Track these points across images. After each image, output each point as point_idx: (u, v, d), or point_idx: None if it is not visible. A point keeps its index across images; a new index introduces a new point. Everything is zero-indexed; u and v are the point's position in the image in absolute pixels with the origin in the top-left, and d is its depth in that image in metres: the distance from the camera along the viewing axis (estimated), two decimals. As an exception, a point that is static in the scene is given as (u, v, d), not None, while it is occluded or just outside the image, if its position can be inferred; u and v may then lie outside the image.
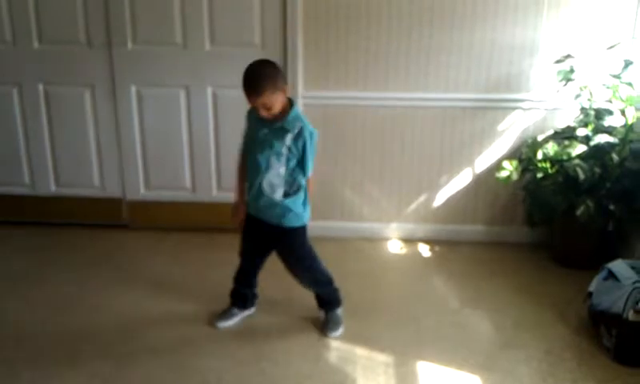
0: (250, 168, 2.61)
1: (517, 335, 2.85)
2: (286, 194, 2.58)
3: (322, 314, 2.90)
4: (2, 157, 3.90)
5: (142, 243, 3.81)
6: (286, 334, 2.82)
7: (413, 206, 3.82)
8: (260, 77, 2.37)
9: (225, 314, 2.90)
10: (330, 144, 3.68)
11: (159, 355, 2.67)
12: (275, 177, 2.55)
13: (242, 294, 2.90)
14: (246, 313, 2.94)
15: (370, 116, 3.65)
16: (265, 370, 2.56)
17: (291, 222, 2.63)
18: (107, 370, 2.56)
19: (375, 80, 3.57)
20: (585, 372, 2.58)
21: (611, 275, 2.78)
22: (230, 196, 3.82)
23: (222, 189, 3.88)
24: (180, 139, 3.79)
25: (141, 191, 3.92)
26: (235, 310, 2.91)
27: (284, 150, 2.50)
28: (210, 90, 3.70)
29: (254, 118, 2.56)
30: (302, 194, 2.62)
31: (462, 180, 3.73)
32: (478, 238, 3.81)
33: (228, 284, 2.91)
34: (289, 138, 2.49)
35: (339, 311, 2.89)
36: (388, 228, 3.86)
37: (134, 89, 3.72)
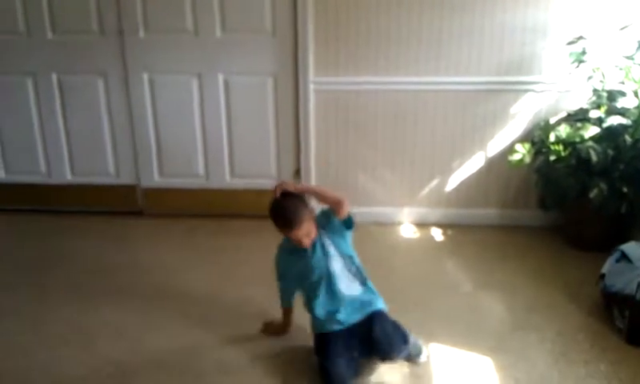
0: (323, 299, 2.48)
1: (529, 317, 2.86)
2: (363, 282, 2.55)
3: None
4: (19, 146, 3.96)
5: (156, 229, 3.86)
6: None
7: (425, 191, 3.83)
8: (295, 209, 2.36)
9: None
10: (341, 130, 3.70)
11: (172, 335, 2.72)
12: (345, 278, 2.49)
13: None
14: None
15: (381, 101, 3.65)
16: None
17: (379, 303, 2.55)
18: (120, 355, 2.61)
19: (386, 65, 3.57)
20: (597, 353, 2.58)
21: (624, 257, 2.78)
22: (243, 182, 3.89)
23: (235, 175, 3.91)
24: (193, 126, 3.82)
25: (155, 178, 3.96)
26: None
27: (333, 250, 2.47)
28: (221, 77, 3.71)
29: (295, 259, 2.49)
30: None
31: (474, 164, 3.73)
32: (491, 222, 3.81)
33: (241, 267, 2.93)
34: (328, 237, 2.47)
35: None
36: (401, 212, 3.87)
37: (146, 76, 3.75)
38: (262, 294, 2.93)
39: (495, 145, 3.67)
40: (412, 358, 2.53)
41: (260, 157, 3.86)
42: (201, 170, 3.92)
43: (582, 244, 3.46)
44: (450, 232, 3.77)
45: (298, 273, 2.50)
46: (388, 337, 2.41)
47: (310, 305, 2.51)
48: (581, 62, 3.30)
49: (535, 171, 3.53)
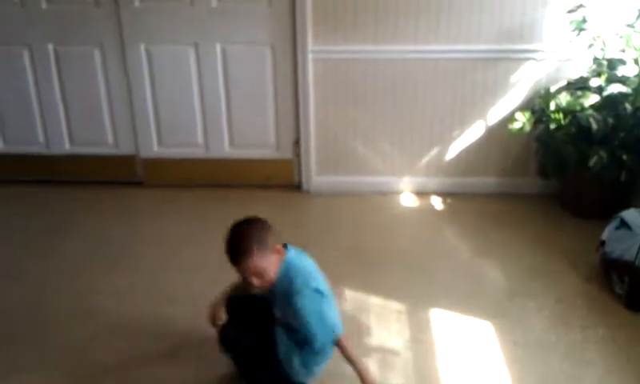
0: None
1: (528, 284, 2.89)
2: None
3: None
4: (16, 117, 3.94)
5: (156, 199, 3.86)
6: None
7: (425, 160, 3.82)
8: (248, 235, 1.93)
9: None
10: (341, 98, 3.68)
11: (178, 303, 2.74)
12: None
13: None
14: None
15: (380, 70, 3.62)
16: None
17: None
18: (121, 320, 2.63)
19: (385, 33, 3.54)
20: (595, 318, 2.61)
21: (624, 224, 2.79)
22: (242, 152, 3.88)
23: (234, 145, 3.90)
24: (191, 96, 3.79)
25: (154, 148, 3.94)
26: None
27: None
28: (218, 47, 3.68)
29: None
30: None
31: (474, 132, 3.72)
32: (491, 190, 3.82)
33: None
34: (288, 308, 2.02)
35: None
36: (401, 182, 3.87)
37: (142, 47, 3.72)
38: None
39: (495, 113, 3.66)
40: None
41: (259, 127, 3.84)
42: (200, 139, 3.91)
43: (582, 212, 3.47)
44: (449, 200, 3.78)
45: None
46: None
47: None
48: (581, 30, 3.27)
49: (535, 139, 3.54)
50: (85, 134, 3.96)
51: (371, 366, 2.30)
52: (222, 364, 2.26)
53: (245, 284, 1.99)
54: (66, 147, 3.99)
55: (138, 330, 2.58)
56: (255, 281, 1.93)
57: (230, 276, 2.07)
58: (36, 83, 3.84)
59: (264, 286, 1.96)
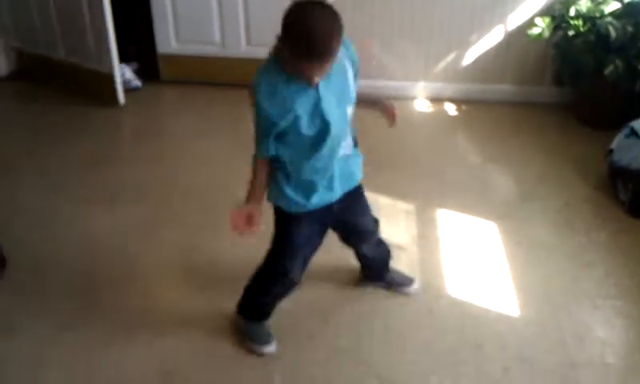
0: (318, 161, 1.74)
1: (536, 189, 2.95)
2: (355, 142, 1.92)
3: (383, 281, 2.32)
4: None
5: (174, 96, 3.93)
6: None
7: (441, 65, 3.81)
8: (332, 31, 1.53)
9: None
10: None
11: (191, 198, 2.84)
12: (348, 130, 1.84)
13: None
14: None
15: (400, -30, 3.57)
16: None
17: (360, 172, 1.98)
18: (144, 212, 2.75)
19: None
20: (599, 223, 2.68)
21: (633, 133, 2.82)
22: (259, 50, 3.86)
23: (251, 44, 3.89)
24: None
25: (172, 44, 3.95)
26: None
27: (352, 88, 1.79)
28: None
29: (287, 95, 1.62)
30: None
31: (492, 38, 3.68)
32: (506, 98, 3.81)
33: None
34: (347, 64, 1.76)
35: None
36: (416, 87, 3.87)
37: None
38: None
39: (515, 19, 3.60)
40: (402, 287, 2.30)
41: (275, 23, 3.80)
42: (217, 37, 3.90)
43: (595, 122, 3.48)
44: (464, 107, 3.79)
45: (301, 111, 1.64)
46: (366, 221, 2.08)
47: (295, 167, 1.76)
48: None
49: (553, 46, 3.50)
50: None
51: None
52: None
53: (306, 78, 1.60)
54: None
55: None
56: (317, 79, 1.60)
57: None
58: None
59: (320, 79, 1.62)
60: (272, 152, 1.69)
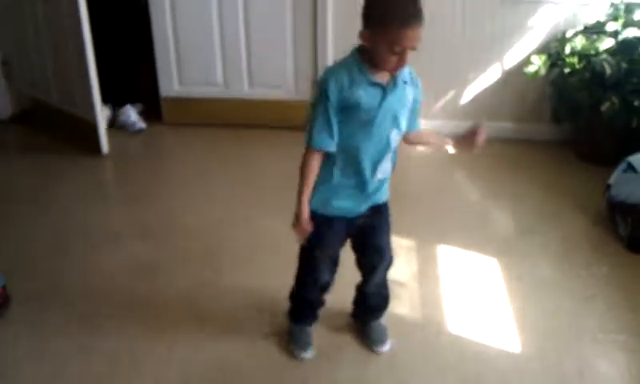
0: (359, 156, 1.80)
1: (536, 224, 2.97)
2: (394, 164, 1.94)
3: (363, 324, 2.28)
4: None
5: (178, 137, 3.99)
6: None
7: (441, 103, 3.88)
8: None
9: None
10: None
11: (193, 235, 2.87)
12: (394, 152, 1.88)
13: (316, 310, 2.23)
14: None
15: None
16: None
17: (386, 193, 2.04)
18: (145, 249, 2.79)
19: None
20: (599, 258, 2.70)
21: (630, 168, 2.85)
22: (261, 92, 3.95)
23: (253, 85, 3.97)
24: (211, 33, 3.84)
25: (175, 87, 4.02)
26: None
27: (406, 112, 1.83)
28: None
29: (358, 86, 1.71)
30: None
31: (490, 76, 3.76)
32: (505, 135, 3.85)
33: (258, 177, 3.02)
34: (410, 92, 1.82)
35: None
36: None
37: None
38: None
39: (512, 57, 3.69)
40: (375, 343, 2.20)
41: (278, 64, 3.89)
42: (219, 78, 3.98)
43: (593, 158, 3.52)
44: (463, 144, 3.82)
45: (359, 114, 1.73)
46: (379, 289, 2.18)
47: (350, 161, 1.81)
48: (600, -27, 3.28)
49: (550, 84, 3.56)
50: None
51: (379, 294, 2.43)
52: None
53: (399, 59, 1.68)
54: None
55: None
56: (403, 60, 1.68)
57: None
58: None
59: (402, 68, 1.71)
60: (327, 143, 1.75)
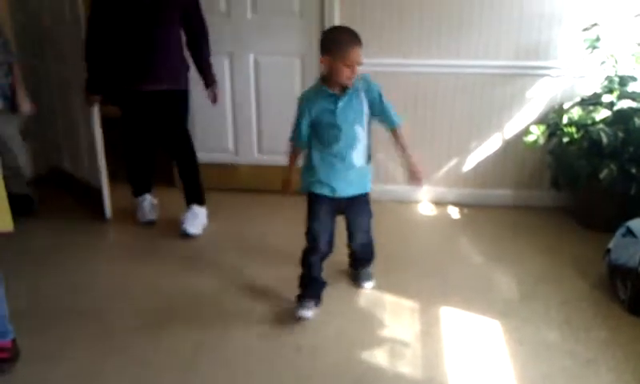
0: (331, 152, 2.60)
1: (537, 288, 3.03)
2: (368, 159, 2.71)
3: (354, 270, 3.08)
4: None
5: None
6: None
7: (443, 170, 3.98)
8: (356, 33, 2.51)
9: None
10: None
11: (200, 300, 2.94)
12: (362, 146, 2.63)
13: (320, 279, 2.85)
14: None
15: (403, 82, 3.80)
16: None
17: (369, 184, 2.78)
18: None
19: (409, 48, 3.74)
20: (599, 322, 2.74)
21: (629, 232, 2.92)
22: (270, 158, 4.06)
23: (262, 152, 4.11)
24: (223, 103, 3.98)
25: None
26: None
27: (365, 112, 2.61)
28: (251, 57, 3.92)
29: (318, 102, 2.55)
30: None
31: (491, 145, 3.88)
32: (506, 202, 3.96)
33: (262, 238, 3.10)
34: (363, 97, 2.59)
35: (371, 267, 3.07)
36: (419, 191, 4.01)
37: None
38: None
39: (511, 127, 3.82)
40: (362, 281, 3.01)
41: (287, 134, 3.99)
42: (230, 145, 4.12)
43: (593, 224, 3.59)
44: (466, 211, 3.93)
45: (321, 121, 2.56)
46: (364, 248, 2.93)
47: (316, 153, 2.63)
48: (595, 48, 3.43)
49: (549, 153, 3.68)
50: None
51: (381, 354, 2.50)
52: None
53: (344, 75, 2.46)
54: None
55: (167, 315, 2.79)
56: (351, 75, 2.45)
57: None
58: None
59: (351, 81, 2.48)
60: (303, 138, 2.63)
